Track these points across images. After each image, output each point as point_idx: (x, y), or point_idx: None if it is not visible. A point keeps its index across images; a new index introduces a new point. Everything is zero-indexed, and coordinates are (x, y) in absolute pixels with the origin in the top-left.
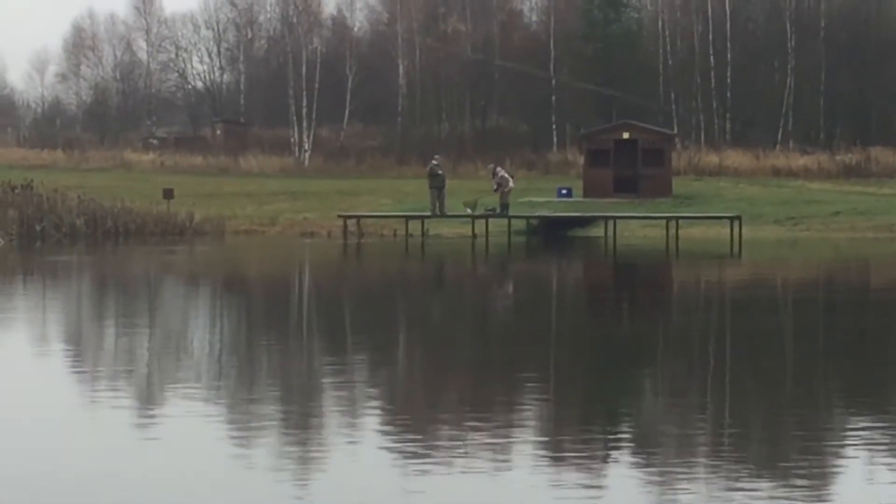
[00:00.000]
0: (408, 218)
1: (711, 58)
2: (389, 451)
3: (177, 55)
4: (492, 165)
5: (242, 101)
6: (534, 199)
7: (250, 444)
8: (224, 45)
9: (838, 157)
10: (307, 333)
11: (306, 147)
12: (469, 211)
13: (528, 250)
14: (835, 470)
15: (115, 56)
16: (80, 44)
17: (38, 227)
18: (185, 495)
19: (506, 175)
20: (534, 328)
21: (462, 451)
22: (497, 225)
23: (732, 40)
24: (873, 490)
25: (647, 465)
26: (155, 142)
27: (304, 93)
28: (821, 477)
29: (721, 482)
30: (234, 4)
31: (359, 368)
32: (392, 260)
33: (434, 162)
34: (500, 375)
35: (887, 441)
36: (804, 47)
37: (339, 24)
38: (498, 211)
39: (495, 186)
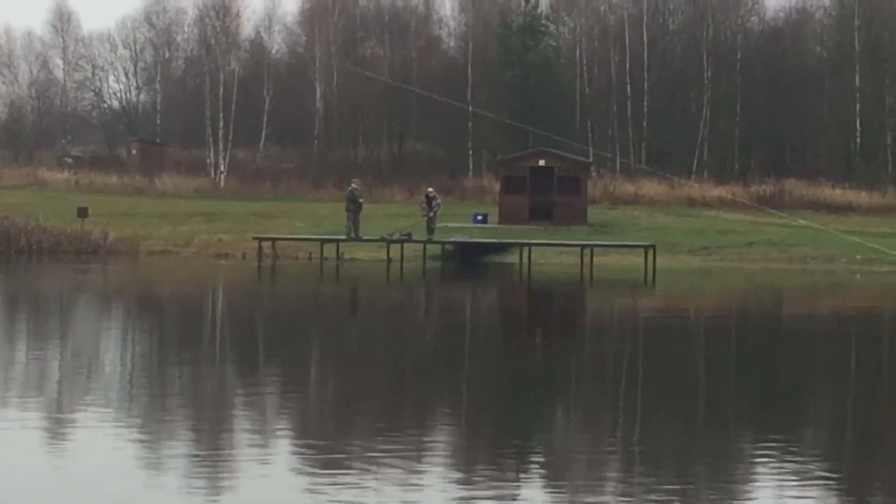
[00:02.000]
0: (323, 241)
1: (628, 87)
2: (299, 468)
3: (93, 74)
4: (430, 190)
5: (158, 122)
6: (449, 224)
7: (160, 468)
8: (141, 64)
9: (752, 189)
10: (214, 357)
11: (222, 168)
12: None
13: (443, 275)
14: (743, 493)
15: (31, 73)
16: None
17: None
18: None
19: (440, 201)
20: (443, 355)
21: (372, 476)
22: (412, 249)
23: (649, 70)
24: None
25: (557, 488)
26: (70, 160)
27: (221, 114)
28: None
29: None
30: (151, 24)
31: (267, 393)
32: (306, 283)
33: (353, 186)
34: (407, 401)
35: (793, 464)
36: (720, 79)
37: (257, 46)
38: (427, 237)
39: (427, 212)
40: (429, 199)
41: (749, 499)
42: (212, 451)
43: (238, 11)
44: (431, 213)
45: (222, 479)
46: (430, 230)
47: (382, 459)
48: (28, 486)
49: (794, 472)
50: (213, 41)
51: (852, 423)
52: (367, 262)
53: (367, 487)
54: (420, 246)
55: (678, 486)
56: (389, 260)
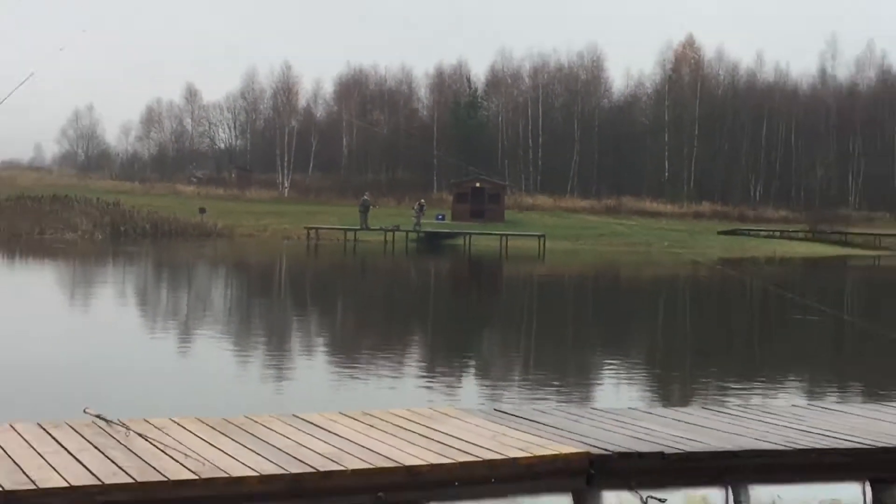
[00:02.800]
0: (346, 230)
1: (530, 141)
2: (330, 359)
3: (209, 127)
4: (422, 201)
5: (248, 156)
6: (422, 221)
7: (243, 358)
8: (237, 121)
9: (603, 201)
10: (281, 295)
11: (286, 185)
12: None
13: (418, 252)
14: (596, 382)
15: (172, 126)
16: (151, 118)
17: (122, 228)
18: (189, 387)
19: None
20: (416, 295)
21: (372, 366)
22: (399, 236)
23: (543, 131)
24: (620, 394)
25: (483, 379)
26: (194, 179)
27: (286, 153)
28: (585, 386)
29: (526, 389)
30: (244, 98)
31: (311, 314)
32: (336, 255)
33: (365, 197)
34: (394, 321)
35: (627, 365)
36: (586, 137)
37: (308, 112)
38: (415, 229)
39: (419, 214)
40: (420, 206)
41: (601, 390)
42: (279, 351)
43: (296, 91)
44: (422, 215)
45: (284, 368)
46: (418, 224)
47: (376, 353)
48: (159, 376)
49: (628, 371)
50: (281, 109)
51: (665, 341)
52: (372, 243)
53: (368, 374)
54: (404, 234)
55: (557, 381)
56: (386, 242)
